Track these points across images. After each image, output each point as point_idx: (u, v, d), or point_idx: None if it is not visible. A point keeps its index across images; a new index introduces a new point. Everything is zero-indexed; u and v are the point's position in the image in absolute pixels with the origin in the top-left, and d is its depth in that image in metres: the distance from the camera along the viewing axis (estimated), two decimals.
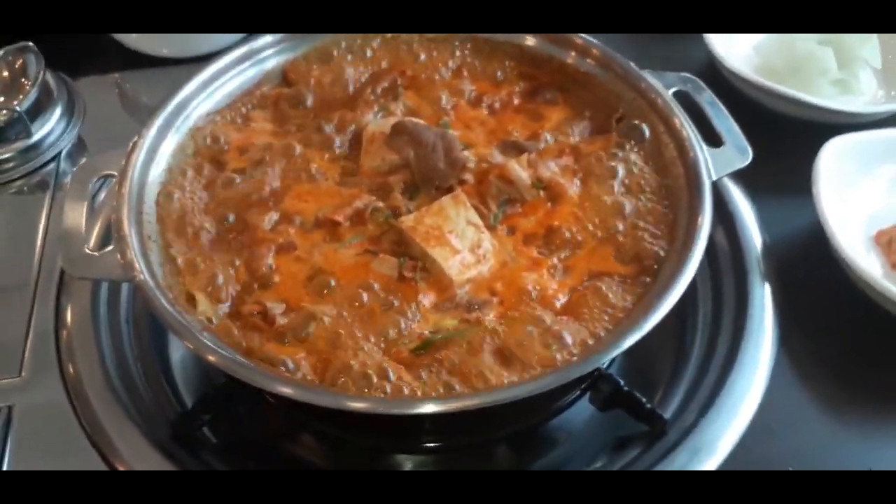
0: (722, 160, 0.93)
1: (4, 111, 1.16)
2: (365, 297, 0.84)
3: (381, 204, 0.92)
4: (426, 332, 0.82)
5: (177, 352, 1.00)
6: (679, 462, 0.84)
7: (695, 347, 0.96)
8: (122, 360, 0.95)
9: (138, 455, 0.85)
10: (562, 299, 0.85)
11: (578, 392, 0.91)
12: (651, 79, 1.00)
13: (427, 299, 0.84)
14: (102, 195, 1.08)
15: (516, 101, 1.05)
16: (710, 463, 0.84)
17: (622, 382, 0.85)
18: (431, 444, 0.91)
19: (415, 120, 0.98)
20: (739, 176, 1.00)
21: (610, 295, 0.85)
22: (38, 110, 1.19)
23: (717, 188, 0.90)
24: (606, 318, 0.83)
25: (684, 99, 1.00)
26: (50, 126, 1.19)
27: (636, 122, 0.99)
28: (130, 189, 0.89)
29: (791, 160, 1.06)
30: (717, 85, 1.02)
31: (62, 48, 1.23)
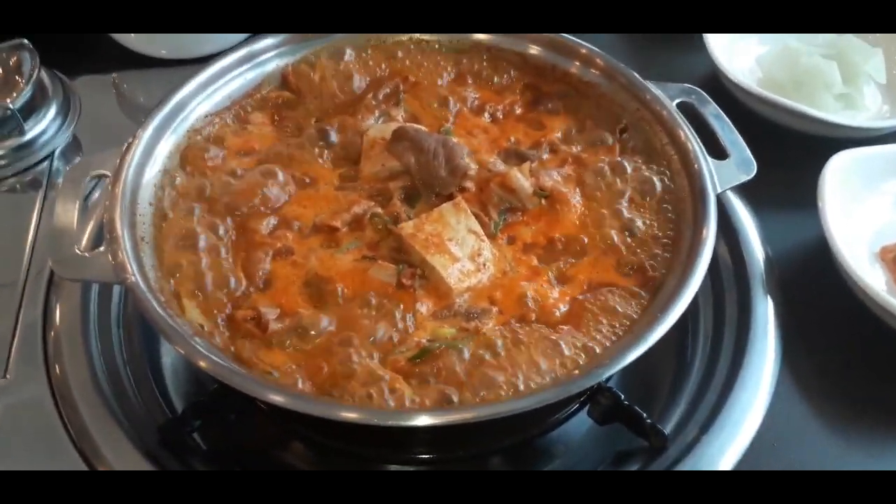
0: (726, 173, 0.93)
1: None
2: (362, 303, 0.83)
3: (380, 210, 0.90)
4: (424, 341, 0.80)
5: (168, 355, 0.98)
6: None
7: (696, 362, 0.95)
8: (111, 362, 0.93)
9: (124, 461, 0.83)
10: (562, 309, 0.84)
11: (577, 405, 0.89)
12: (655, 90, 0.99)
13: (425, 307, 0.83)
14: (96, 196, 1.06)
15: (518, 110, 1.05)
16: None
17: (622, 396, 0.84)
18: (425, 456, 0.89)
19: (416, 126, 0.97)
20: (742, 189, 1.00)
21: (611, 306, 0.84)
22: (31, 108, 1.17)
23: (719, 201, 0.89)
24: (608, 330, 0.82)
25: (688, 110, 0.99)
26: (44, 125, 1.18)
27: (639, 132, 0.98)
28: (124, 189, 0.87)
29: (794, 174, 1.05)
30: (718, 96, 1.02)
31: (58, 46, 1.21)
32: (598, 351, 0.80)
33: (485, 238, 0.88)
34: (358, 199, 0.91)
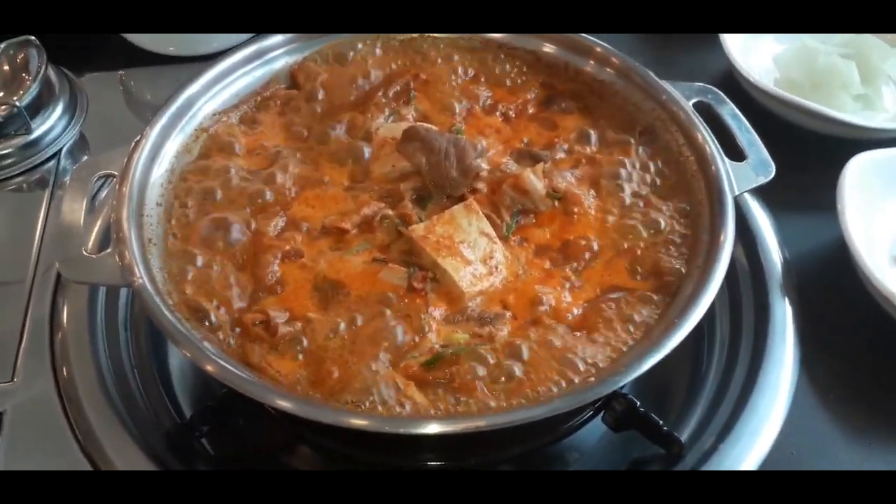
0: (744, 175, 0.91)
1: (4, 106, 1.13)
2: (372, 307, 0.81)
3: (390, 212, 0.89)
4: (437, 346, 0.79)
5: (175, 357, 0.97)
6: None
7: (712, 368, 0.93)
8: (118, 365, 0.92)
9: (130, 464, 0.82)
10: (575, 313, 0.83)
11: (591, 411, 0.88)
12: (672, 90, 0.97)
13: (437, 311, 0.81)
14: (103, 195, 1.05)
15: (531, 110, 1.03)
16: None
17: (638, 402, 0.82)
18: (436, 463, 0.88)
19: (427, 125, 0.95)
20: (759, 191, 0.98)
21: (627, 311, 0.82)
22: (38, 106, 1.16)
23: (736, 203, 0.88)
24: (624, 335, 0.80)
25: (705, 111, 0.97)
26: (51, 122, 1.17)
27: (655, 133, 0.96)
28: (131, 189, 0.86)
29: (811, 175, 1.04)
30: (734, 96, 1.00)
31: (65, 43, 1.21)
32: (613, 357, 0.78)
33: (497, 240, 0.86)
34: (368, 200, 0.90)
